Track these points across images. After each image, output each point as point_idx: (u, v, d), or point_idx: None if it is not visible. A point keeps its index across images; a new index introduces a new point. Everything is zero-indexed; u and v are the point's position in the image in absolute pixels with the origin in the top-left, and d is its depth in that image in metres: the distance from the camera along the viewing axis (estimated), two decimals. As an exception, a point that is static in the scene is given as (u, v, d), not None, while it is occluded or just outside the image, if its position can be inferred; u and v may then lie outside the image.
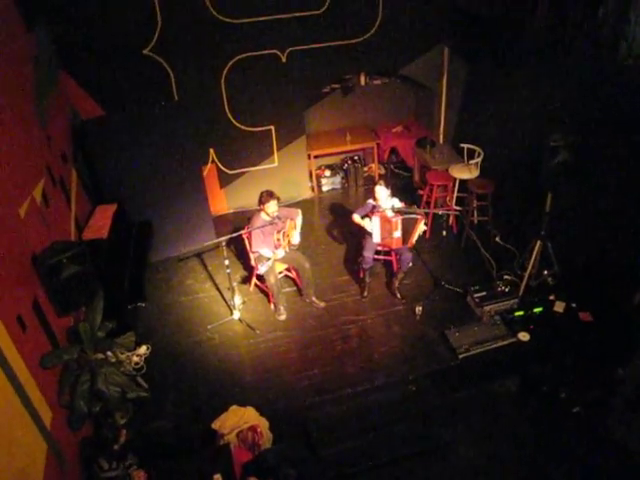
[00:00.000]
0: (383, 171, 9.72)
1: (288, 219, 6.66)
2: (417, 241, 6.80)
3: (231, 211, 9.11)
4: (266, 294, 7.18)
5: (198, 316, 6.99)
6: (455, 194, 8.41)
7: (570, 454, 5.16)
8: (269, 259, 6.53)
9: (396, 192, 7.74)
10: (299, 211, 6.92)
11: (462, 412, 5.60)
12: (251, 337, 6.66)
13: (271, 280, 6.63)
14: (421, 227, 6.58)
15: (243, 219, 8.16)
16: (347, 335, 6.60)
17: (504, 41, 7.55)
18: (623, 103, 5.78)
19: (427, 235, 8.10)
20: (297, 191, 9.37)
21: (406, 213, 6.53)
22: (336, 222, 8.77)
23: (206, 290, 7.48)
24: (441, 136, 9.62)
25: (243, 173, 8.85)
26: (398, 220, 6.48)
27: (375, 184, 6.74)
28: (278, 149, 8.81)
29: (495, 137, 8.13)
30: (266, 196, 6.41)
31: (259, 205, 6.47)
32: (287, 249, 6.77)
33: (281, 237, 6.63)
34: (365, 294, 7.17)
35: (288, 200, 8.92)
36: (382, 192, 6.69)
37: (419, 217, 6.45)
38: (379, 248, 7.03)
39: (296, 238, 6.79)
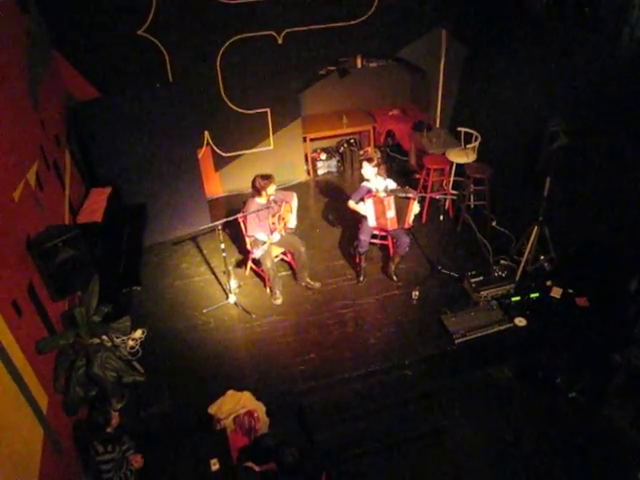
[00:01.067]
0: (379, 154, 9.68)
1: (284, 202, 6.60)
2: (413, 225, 6.79)
3: (226, 194, 9.09)
4: (262, 278, 7.14)
5: (194, 300, 6.96)
6: (452, 178, 8.41)
7: (566, 440, 5.19)
8: (265, 243, 6.51)
9: (392, 175, 7.74)
10: (295, 194, 6.89)
11: (458, 397, 5.63)
12: (247, 321, 6.63)
13: (267, 264, 6.59)
14: (415, 207, 6.54)
15: (238, 202, 8.18)
16: (343, 320, 6.57)
17: (503, 24, 7.54)
18: (625, 89, 5.76)
19: (424, 219, 8.12)
20: (293, 174, 9.32)
21: (398, 193, 6.52)
22: (332, 206, 8.73)
23: (201, 274, 7.44)
24: (438, 120, 9.58)
25: (238, 156, 8.81)
26: (390, 199, 6.45)
27: (365, 161, 6.77)
28: (274, 132, 8.76)
29: (493, 121, 8.11)
30: (262, 180, 6.38)
31: (253, 190, 6.45)
32: (283, 233, 6.73)
33: (276, 221, 6.58)
34: (361, 278, 7.13)
35: (283, 183, 8.87)
36: (368, 169, 6.69)
37: (411, 196, 6.43)
38: (375, 232, 7.01)
39: (292, 222, 6.76)
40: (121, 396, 5.25)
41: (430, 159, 8.27)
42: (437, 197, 7.90)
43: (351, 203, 6.84)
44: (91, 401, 4.90)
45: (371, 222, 6.74)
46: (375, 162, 6.75)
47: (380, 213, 6.60)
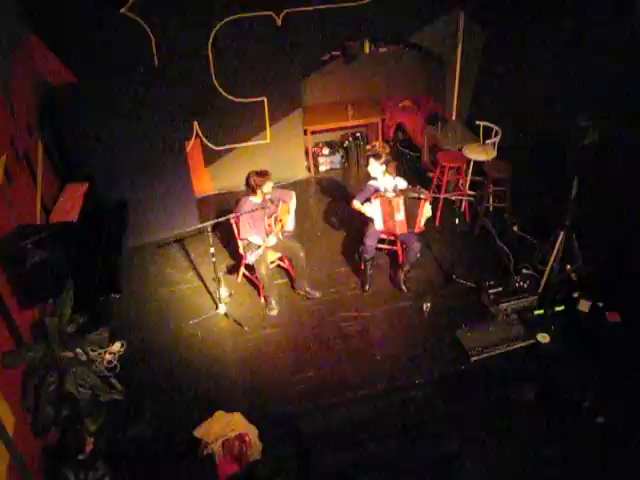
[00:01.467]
0: (388, 150, 9.51)
1: (281, 202, 6.63)
2: (425, 229, 6.81)
3: (217, 192, 9.12)
4: (256, 286, 7.16)
5: (179, 310, 6.99)
6: (469, 177, 8.37)
7: (593, 471, 5.13)
8: (259, 247, 6.49)
9: (402, 173, 7.73)
10: (293, 193, 6.89)
11: (472, 422, 5.60)
12: (239, 334, 6.64)
13: (262, 270, 6.59)
14: (427, 209, 6.57)
15: (230, 201, 8.17)
16: (346, 334, 6.59)
17: (528, 7, 7.54)
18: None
19: (437, 223, 8.11)
20: (291, 171, 9.33)
21: (409, 193, 6.52)
22: (335, 206, 8.77)
23: (188, 280, 7.47)
24: (454, 112, 9.61)
25: (231, 150, 8.82)
26: (399, 200, 6.46)
27: (371, 157, 6.79)
28: (271, 123, 8.78)
29: (515, 114, 8.09)
30: (257, 177, 6.41)
31: (247, 188, 6.48)
32: (280, 236, 6.77)
33: (273, 222, 6.60)
34: (367, 287, 7.14)
35: (281, 181, 8.84)
36: (375, 166, 6.73)
37: (423, 197, 6.44)
38: (383, 236, 7.06)
39: (290, 224, 6.80)
40: (97, 417, 5.19)
41: (445, 156, 8.26)
42: (452, 198, 7.91)
43: (356, 204, 6.85)
44: (63, 422, 4.86)
45: (378, 225, 6.78)
46: (383, 158, 6.78)
47: (388, 215, 6.63)
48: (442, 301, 6.91)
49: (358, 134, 10.08)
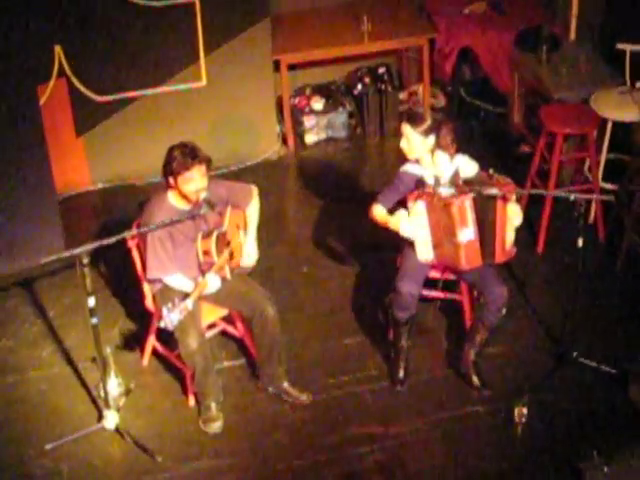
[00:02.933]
0: (443, 101, 9.28)
1: (229, 208, 6.18)
2: (515, 257, 6.28)
3: (102, 185, 8.62)
4: (177, 374, 6.55)
5: (26, 422, 6.32)
6: (604, 156, 7.76)
7: None
8: (186, 298, 5.75)
9: (470, 146, 7.41)
10: (254, 190, 6.43)
11: None
12: (146, 471, 5.90)
13: (190, 345, 5.85)
14: (513, 211, 6.08)
15: (129, 204, 8.03)
16: (357, 471, 5.89)
17: None
18: None
19: (540, 246, 7.54)
20: (251, 144, 8.84)
21: (481, 187, 5.95)
22: (334, 214, 8.30)
23: (44, 362, 6.82)
24: (573, 26, 8.90)
25: (128, 102, 8.29)
26: (466, 203, 5.87)
27: (406, 122, 6.17)
28: (209, 50, 8.22)
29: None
30: (180, 157, 5.77)
31: (165, 177, 5.88)
32: (227, 275, 6.13)
33: (213, 248, 5.94)
34: (401, 376, 6.40)
35: (230, 165, 8.55)
36: (414, 138, 6.11)
37: (505, 191, 5.96)
38: (433, 274, 6.55)
39: (248, 251, 6.40)
40: None
41: (556, 113, 7.67)
42: (571, 198, 6.70)
43: (378, 211, 6.26)
44: None
45: (422, 253, 6.12)
46: (429, 123, 6.09)
47: (443, 233, 6.02)
48: (550, 403, 6.23)
49: (382, 70, 9.29)
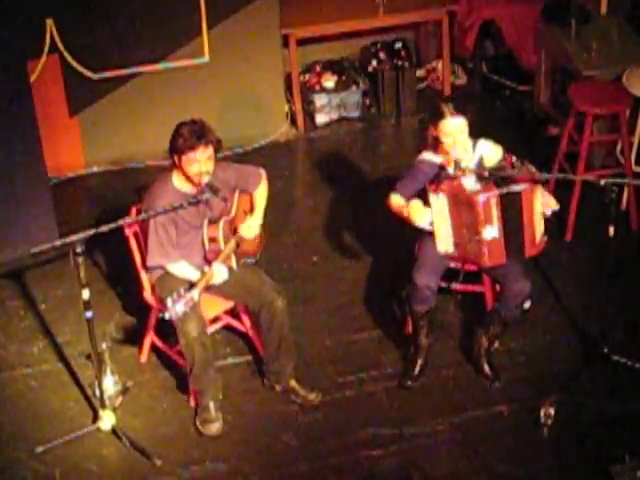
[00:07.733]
0: (464, 79, 9.25)
1: (237, 192, 6.10)
2: (542, 250, 6.12)
3: (97, 169, 8.51)
4: (177, 372, 6.42)
5: (15, 424, 6.20)
6: (637, 137, 7.72)
7: None
8: (191, 288, 5.64)
9: (493, 127, 7.78)
10: (262, 173, 6.29)
11: None
12: (143, 475, 5.80)
13: (191, 332, 5.73)
14: (539, 203, 5.94)
15: (126, 189, 7.99)
16: (371, 476, 5.82)
17: None
18: None
19: (568, 235, 7.44)
20: (257, 125, 8.79)
21: (508, 180, 5.86)
22: (347, 200, 8.22)
23: (35, 359, 6.69)
24: None
25: (125, 79, 8.21)
26: (492, 198, 5.76)
27: (456, 114, 5.92)
28: (212, 23, 8.15)
29: None
30: (187, 135, 5.66)
31: (170, 154, 5.74)
32: (234, 266, 6.00)
33: (220, 234, 5.89)
34: (416, 372, 6.27)
35: (236, 146, 8.43)
36: (467, 130, 5.92)
37: (533, 184, 5.89)
38: (452, 265, 6.36)
39: (251, 224, 6.25)
40: None
41: (585, 91, 7.60)
42: (602, 183, 6.54)
43: (395, 200, 6.06)
44: None
45: (443, 245, 6.00)
46: (451, 107, 5.94)
47: (466, 228, 5.93)
48: (579, 403, 6.10)
49: (398, 45, 9.18)
